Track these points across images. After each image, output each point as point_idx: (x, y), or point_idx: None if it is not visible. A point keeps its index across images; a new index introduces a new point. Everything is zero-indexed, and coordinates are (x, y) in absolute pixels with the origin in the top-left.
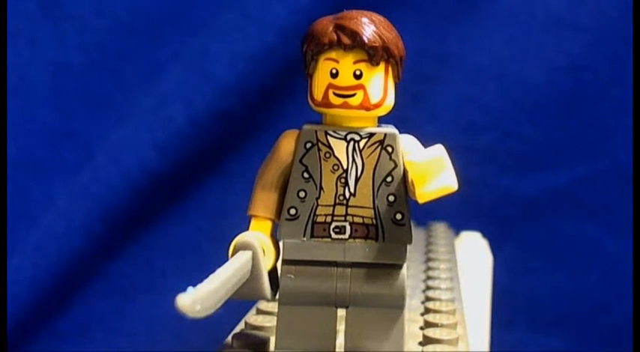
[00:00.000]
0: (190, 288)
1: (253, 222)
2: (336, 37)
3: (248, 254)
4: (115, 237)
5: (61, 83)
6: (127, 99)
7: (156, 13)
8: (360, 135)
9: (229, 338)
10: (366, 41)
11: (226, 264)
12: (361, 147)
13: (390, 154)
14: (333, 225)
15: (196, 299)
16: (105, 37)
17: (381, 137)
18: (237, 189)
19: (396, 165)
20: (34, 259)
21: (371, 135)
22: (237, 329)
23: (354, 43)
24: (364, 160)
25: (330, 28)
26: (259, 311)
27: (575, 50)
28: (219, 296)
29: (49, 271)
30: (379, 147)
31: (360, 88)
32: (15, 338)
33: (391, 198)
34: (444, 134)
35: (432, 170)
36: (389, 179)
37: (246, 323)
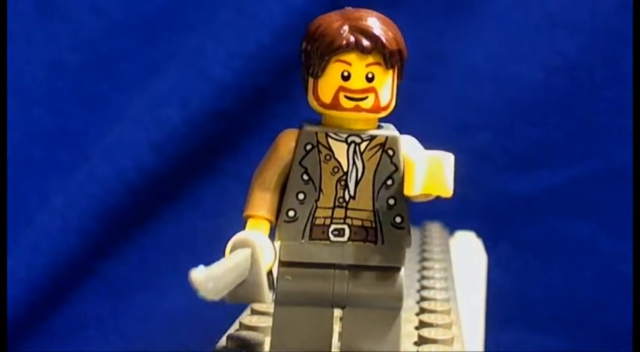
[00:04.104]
0: (202, 267)
1: (250, 223)
2: (354, 40)
3: (247, 251)
4: (110, 237)
5: (56, 82)
6: (122, 99)
7: (151, 13)
8: (361, 138)
9: (224, 338)
10: (387, 45)
11: (228, 257)
12: (362, 149)
13: (390, 157)
14: (332, 227)
15: (210, 277)
16: (100, 37)
17: (383, 140)
18: (233, 189)
19: (396, 169)
20: (30, 259)
21: (372, 137)
22: (231, 330)
23: (374, 46)
24: (365, 163)
25: (346, 30)
26: (254, 312)
27: (569, 50)
28: (227, 281)
29: (45, 271)
30: (380, 150)
31: (371, 90)
32: (10, 338)
33: (391, 202)
34: (439, 133)
35: (430, 168)
36: (389, 182)
37: (240, 323)
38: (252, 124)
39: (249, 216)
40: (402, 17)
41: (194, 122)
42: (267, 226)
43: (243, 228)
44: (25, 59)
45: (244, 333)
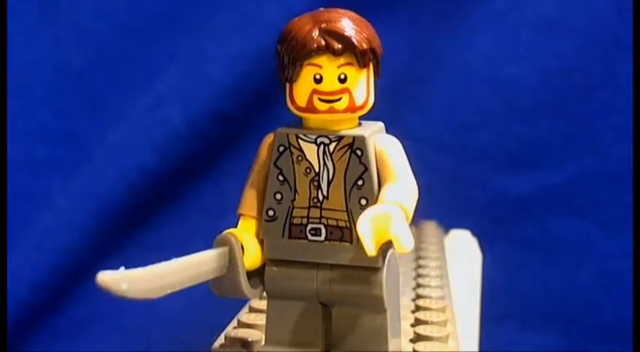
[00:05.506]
0: (122, 268)
1: (241, 221)
2: (324, 43)
3: (223, 249)
4: (112, 236)
5: (59, 84)
6: (124, 100)
7: (153, 15)
8: (329, 139)
9: (222, 336)
10: (357, 45)
11: (184, 257)
12: (331, 150)
13: (359, 158)
14: (309, 227)
15: (122, 278)
16: (102, 39)
17: (350, 140)
18: (234, 189)
19: (366, 169)
20: (33, 258)
21: (340, 138)
22: (229, 327)
23: (345, 48)
24: (335, 164)
25: (316, 33)
26: (252, 310)
27: (566, 51)
28: (159, 282)
29: (47, 270)
30: (349, 151)
31: (345, 91)
32: (13, 337)
33: (363, 202)
34: (437, 133)
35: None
36: (360, 182)
37: (238, 321)
38: (252, 126)
39: (240, 215)
40: (400, 19)
41: (195, 123)
42: (254, 224)
43: (236, 225)
44: (29, 61)
45: (242, 331)
